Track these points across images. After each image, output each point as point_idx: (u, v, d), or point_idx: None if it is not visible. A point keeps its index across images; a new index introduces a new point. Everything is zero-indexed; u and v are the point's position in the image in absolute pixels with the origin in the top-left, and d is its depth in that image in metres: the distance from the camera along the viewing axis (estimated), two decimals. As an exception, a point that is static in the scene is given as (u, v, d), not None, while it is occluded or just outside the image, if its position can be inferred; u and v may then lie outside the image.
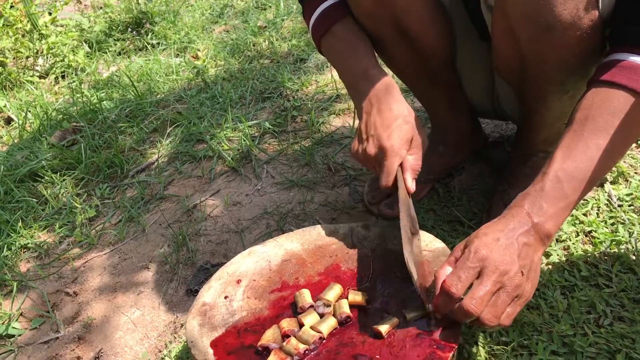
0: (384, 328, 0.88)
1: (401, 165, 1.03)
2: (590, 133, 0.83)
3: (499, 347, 0.98)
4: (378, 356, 0.85)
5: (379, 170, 1.04)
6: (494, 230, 0.83)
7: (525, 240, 0.82)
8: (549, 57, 0.93)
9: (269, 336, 0.91)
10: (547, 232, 0.83)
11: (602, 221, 1.19)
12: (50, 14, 3.06)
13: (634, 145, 1.39)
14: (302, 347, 0.88)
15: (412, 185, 1.03)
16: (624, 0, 0.83)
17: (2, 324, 1.31)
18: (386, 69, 1.26)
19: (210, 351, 0.90)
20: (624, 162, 1.33)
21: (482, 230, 0.84)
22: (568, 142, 0.85)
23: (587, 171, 0.83)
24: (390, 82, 1.05)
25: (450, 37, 1.15)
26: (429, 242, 1.03)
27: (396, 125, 1.02)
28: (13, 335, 1.30)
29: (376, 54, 1.15)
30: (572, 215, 1.21)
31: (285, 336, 0.91)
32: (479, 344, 0.99)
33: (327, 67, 2.18)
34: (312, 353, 0.88)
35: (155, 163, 1.81)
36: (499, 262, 0.79)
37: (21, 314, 1.35)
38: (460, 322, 0.83)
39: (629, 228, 1.16)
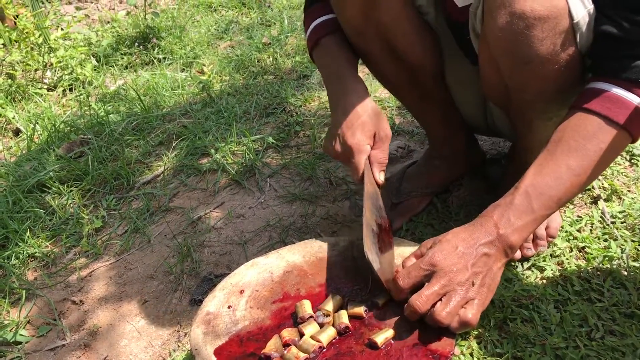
0: (379, 339, 0.91)
1: (369, 159, 1.11)
2: (561, 154, 0.90)
3: (493, 358, 1.00)
4: (375, 365, 0.88)
5: (348, 167, 1.12)
6: (457, 238, 0.91)
7: (486, 250, 0.90)
8: (528, 87, 0.98)
9: (271, 346, 0.94)
10: (511, 244, 0.90)
11: (595, 237, 1.23)
12: (62, 29, 3.12)
13: (627, 163, 1.42)
14: (302, 355, 0.91)
15: (379, 178, 1.12)
16: (600, 36, 0.88)
17: (10, 331, 1.35)
18: (378, 91, 1.30)
19: (214, 359, 0.93)
20: (617, 179, 1.37)
21: (448, 236, 0.93)
22: (541, 161, 0.92)
23: (555, 189, 0.90)
24: (355, 81, 1.13)
25: (437, 52, 1.19)
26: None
27: (359, 123, 1.09)
28: (20, 342, 1.33)
29: (362, 67, 1.21)
30: (567, 232, 1.24)
31: (286, 345, 0.94)
32: (474, 355, 1.02)
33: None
34: (312, 361, 0.91)
35: (161, 175, 1.85)
36: (448, 269, 0.88)
37: (28, 322, 1.39)
38: (410, 318, 0.92)
39: (621, 244, 1.19)
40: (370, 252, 0.96)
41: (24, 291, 1.46)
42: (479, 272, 0.89)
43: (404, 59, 1.17)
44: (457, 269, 0.88)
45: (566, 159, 0.90)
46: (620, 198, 1.32)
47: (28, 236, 1.65)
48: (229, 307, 1.05)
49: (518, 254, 1.19)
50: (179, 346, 1.22)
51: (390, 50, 1.16)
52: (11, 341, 1.33)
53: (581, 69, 0.94)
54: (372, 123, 1.10)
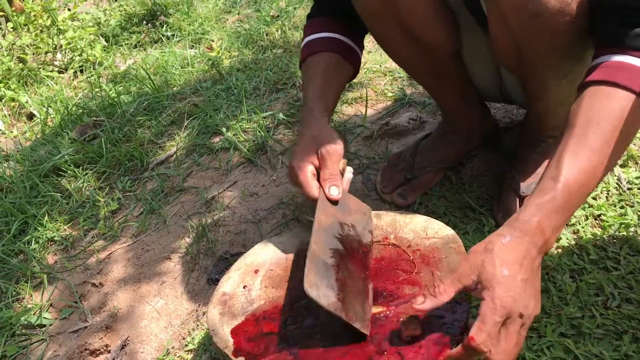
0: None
1: (319, 182, 1.06)
2: (595, 139, 0.82)
3: (508, 330, 1.01)
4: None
5: (301, 191, 1.07)
6: (511, 265, 0.78)
7: (537, 263, 0.80)
8: (540, 43, 0.95)
9: None
10: (551, 245, 0.83)
11: (611, 204, 1.21)
12: (69, 9, 3.11)
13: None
14: None
15: (331, 193, 1.04)
16: (603, 2, 0.85)
17: (34, 314, 1.38)
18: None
19: (231, 339, 0.95)
20: (634, 145, 1.34)
21: (498, 268, 0.77)
22: (574, 148, 0.82)
23: (593, 180, 0.83)
24: (317, 110, 1.11)
25: (455, 32, 1.17)
26: (439, 230, 1.06)
27: (301, 146, 1.07)
28: (44, 325, 1.36)
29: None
30: (582, 200, 1.23)
31: None
32: (489, 327, 1.02)
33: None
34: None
35: (174, 155, 1.86)
36: (521, 309, 0.76)
37: (51, 305, 1.42)
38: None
39: (638, 211, 1.17)
40: (317, 287, 0.87)
41: (45, 275, 1.48)
42: (537, 290, 0.80)
43: (421, 41, 1.15)
44: (526, 304, 0.77)
45: (601, 145, 0.81)
46: (637, 163, 1.30)
47: (46, 220, 1.67)
48: (245, 287, 1.05)
49: None
50: (197, 325, 1.24)
51: (407, 32, 1.13)
52: (35, 324, 1.36)
53: (590, 22, 0.91)
54: (314, 142, 1.05)
